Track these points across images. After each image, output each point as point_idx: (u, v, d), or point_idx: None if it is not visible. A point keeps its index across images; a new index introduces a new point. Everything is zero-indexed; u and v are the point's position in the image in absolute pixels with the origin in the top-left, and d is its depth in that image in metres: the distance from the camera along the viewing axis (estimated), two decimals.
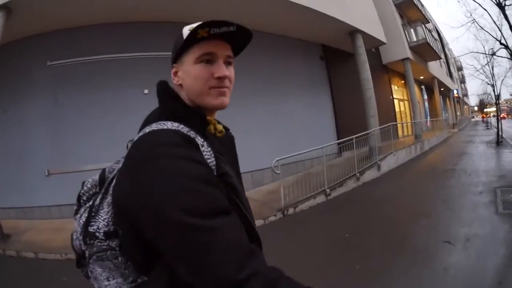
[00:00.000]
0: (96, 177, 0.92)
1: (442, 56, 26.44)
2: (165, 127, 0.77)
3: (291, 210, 6.74)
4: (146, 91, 6.93)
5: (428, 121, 21.03)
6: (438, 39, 28.46)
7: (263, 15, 8.42)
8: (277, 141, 9.22)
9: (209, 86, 0.85)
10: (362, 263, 3.99)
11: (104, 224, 0.78)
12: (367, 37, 11.20)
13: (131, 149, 0.76)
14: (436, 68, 22.23)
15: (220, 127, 0.94)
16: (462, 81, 48.38)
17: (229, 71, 0.88)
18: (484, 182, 7.37)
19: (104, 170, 0.93)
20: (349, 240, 4.93)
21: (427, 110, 22.74)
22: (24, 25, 6.68)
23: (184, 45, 0.83)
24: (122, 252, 0.78)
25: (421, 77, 21.23)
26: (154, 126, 0.77)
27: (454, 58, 28.11)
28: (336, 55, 12.17)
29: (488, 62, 9.37)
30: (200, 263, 0.63)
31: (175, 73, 0.91)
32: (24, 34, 7.13)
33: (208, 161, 0.76)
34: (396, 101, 17.67)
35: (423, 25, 16.67)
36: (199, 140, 0.78)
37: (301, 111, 10.47)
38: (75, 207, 0.89)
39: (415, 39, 16.53)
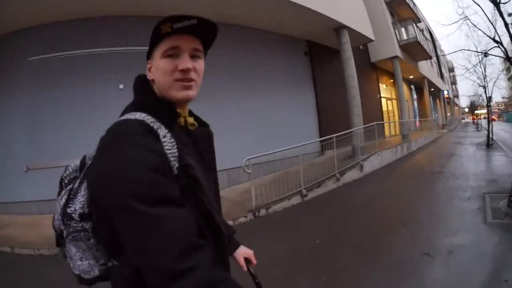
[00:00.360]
0: (78, 162, 0.95)
1: (433, 56, 26.11)
2: (132, 117, 0.81)
3: (263, 212, 6.26)
4: (121, 86, 6.81)
5: (417, 121, 20.55)
6: (430, 40, 28.15)
7: (242, 8, 7.90)
8: (255, 138, 8.76)
9: (174, 79, 0.87)
10: (329, 275, 3.51)
11: (80, 206, 0.84)
12: (354, 34, 10.69)
13: (102, 136, 0.80)
14: (426, 68, 21.80)
15: (191, 120, 0.96)
16: (453, 82, 48.29)
17: (196, 64, 0.90)
18: (472, 187, 6.84)
19: (85, 156, 0.96)
20: (320, 247, 4.41)
21: (416, 110, 22.27)
22: (5, 21, 6.57)
23: (153, 42, 0.87)
24: (94, 234, 0.84)
25: (411, 77, 20.76)
26: (125, 117, 0.83)
27: (444, 55, 27.59)
28: (321, 51, 11.62)
29: (480, 61, 8.82)
30: (140, 248, 0.67)
31: (149, 69, 0.93)
32: (6, 30, 6.97)
33: (169, 151, 0.78)
34: (383, 100, 17.14)
35: (414, 24, 16.16)
36: (162, 131, 0.80)
37: (282, 108, 9.97)
38: (57, 189, 0.92)
39: (405, 38, 16.04)
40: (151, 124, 0.80)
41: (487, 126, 14.69)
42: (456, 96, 53.60)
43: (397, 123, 16.36)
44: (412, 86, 22.32)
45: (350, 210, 6.20)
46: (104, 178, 0.73)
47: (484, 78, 14.60)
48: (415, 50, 16.83)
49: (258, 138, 8.79)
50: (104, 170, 0.74)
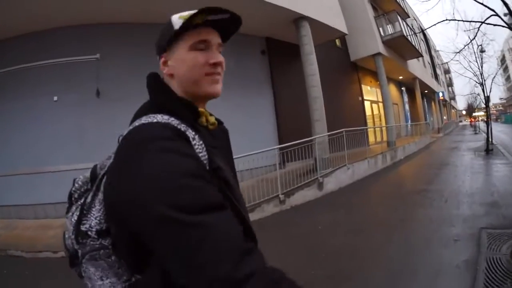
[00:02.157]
0: (88, 174, 0.86)
1: (426, 54, 24.00)
2: (154, 120, 0.71)
3: None
4: (55, 98, 6.41)
5: (406, 125, 18.29)
6: (423, 40, 26.07)
7: (189, 5, 6.27)
8: None
9: (204, 72, 0.80)
10: None
11: (96, 222, 0.74)
12: (319, 26, 8.70)
13: (120, 144, 0.71)
14: (418, 68, 19.56)
15: (212, 119, 0.87)
16: (450, 84, 45.82)
17: (222, 58, 0.84)
18: (465, 217, 4.69)
19: (95, 166, 0.86)
20: None
21: (408, 113, 20.00)
22: None
23: (177, 32, 0.78)
24: (115, 250, 0.74)
25: (400, 77, 18.54)
26: (144, 120, 0.72)
27: (425, 29, 25.10)
28: (281, 49, 9.55)
29: (473, 38, 6.56)
30: (191, 262, 0.57)
31: (165, 63, 0.84)
32: None
33: (200, 154, 0.70)
34: (367, 103, 14.91)
35: (398, 16, 14.01)
36: (190, 133, 0.72)
37: (234, 114, 7.89)
38: (66, 205, 0.83)
39: (390, 32, 13.92)
40: (178, 126, 0.71)
41: (486, 129, 12.33)
42: (453, 98, 50.94)
43: (383, 129, 14.10)
44: (403, 88, 20.13)
45: (271, 249, 4.03)
46: (135, 190, 0.61)
47: (481, 75, 12.37)
48: (402, 47, 14.66)
49: None
50: (134, 181, 0.62)
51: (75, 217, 0.76)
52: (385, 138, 13.54)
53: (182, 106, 0.78)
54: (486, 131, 12.40)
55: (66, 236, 0.79)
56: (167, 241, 0.58)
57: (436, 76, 29.44)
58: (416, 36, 16.92)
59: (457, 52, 7.87)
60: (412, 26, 17.69)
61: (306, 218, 5.60)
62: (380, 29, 13.87)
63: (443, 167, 9.20)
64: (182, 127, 0.71)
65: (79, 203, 0.79)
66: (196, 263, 0.56)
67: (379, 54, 13.07)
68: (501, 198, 5.40)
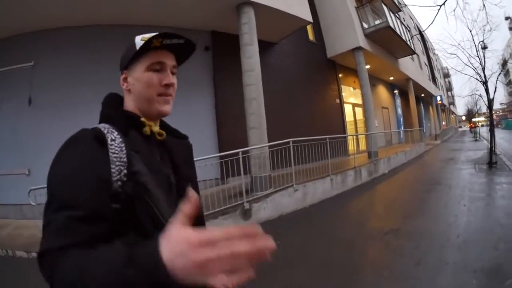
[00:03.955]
0: None
1: (423, 55, 21.72)
2: (93, 127, 0.76)
3: None
4: None
5: (395, 132, 15.91)
6: (420, 40, 23.79)
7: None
8: None
9: (157, 93, 0.83)
10: None
11: None
12: (273, 14, 6.90)
13: None
14: (411, 67, 17.18)
15: (156, 129, 0.88)
16: (449, 88, 43.13)
17: (174, 80, 0.88)
18: None
19: None
20: None
21: (400, 118, 17.59)
22: None
23: (137, 53, 0.82)
24: None
25: (391, 78, 16.16)
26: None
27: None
28: (229, 44, 7.46)
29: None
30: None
31: (125, 79, 0.87)
32: None
33: (115, 155, 0.71)
34: (349, 106, 12.59)
35: (384, 6, 11.74)
36: (112, 135, 0.73)
37: (168, 119, 5.90)
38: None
39: (375, 24, 11.65)
40: (103, 130, 0.73)
41: (489, 137, 9.83)
42: (452, 103, 48.13)
43: (366, 137, 11.72)
44: (396, 91, 17.78)
45: None
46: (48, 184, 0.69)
47: (483, 72, 9.97)
48: (389, 41, 12.36)
49: None
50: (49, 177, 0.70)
51: None
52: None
53: (120, 115, 0.80)
54: (488, 139, 10.01)
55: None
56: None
57: (434, 79, 27.00)
58: (409, 30, 14.65)
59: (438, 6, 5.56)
60: (404, 20, 15.43)
61: None
62: (365, 24, 11.62)
63: (432, 188, 6.89)
64: (108, 130, 0.72)
65: None
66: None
67: (359, 48, 10.80)
68: (509, 256, 3.11)
